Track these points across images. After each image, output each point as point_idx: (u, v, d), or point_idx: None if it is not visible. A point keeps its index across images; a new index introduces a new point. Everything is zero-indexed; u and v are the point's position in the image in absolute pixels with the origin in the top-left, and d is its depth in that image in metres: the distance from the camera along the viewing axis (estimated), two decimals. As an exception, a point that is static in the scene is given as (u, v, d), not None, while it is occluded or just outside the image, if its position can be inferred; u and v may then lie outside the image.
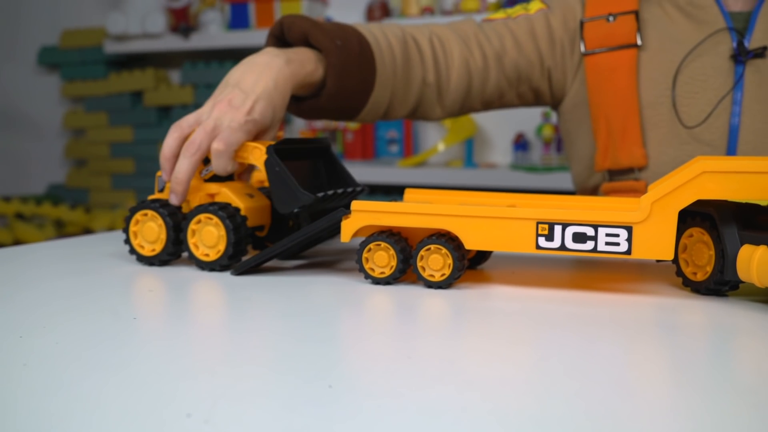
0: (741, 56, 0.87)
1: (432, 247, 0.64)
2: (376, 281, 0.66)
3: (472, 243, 0.63)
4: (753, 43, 0.87)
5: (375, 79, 0.88)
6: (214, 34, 2.29)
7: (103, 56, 2.49)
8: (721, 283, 0.61)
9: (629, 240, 0.59)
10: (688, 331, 0.53)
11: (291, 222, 0.77)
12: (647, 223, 0.59)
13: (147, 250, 0.73)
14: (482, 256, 0.74)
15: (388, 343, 0.49)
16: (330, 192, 0.73)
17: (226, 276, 0.69)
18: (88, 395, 0.39)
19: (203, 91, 2.34)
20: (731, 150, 0.88)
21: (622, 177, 0.93)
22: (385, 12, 2.15)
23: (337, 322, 0.55)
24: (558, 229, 0.61)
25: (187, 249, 0.71)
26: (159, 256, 0.73)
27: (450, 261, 0.63)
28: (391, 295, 0.62)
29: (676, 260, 0.64)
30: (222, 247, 0.70)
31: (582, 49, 0.95)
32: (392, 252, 0.65)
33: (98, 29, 2.50)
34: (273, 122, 0.77)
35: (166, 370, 0.43)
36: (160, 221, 0.72)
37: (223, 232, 0.70)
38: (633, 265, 0.77)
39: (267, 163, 0.71)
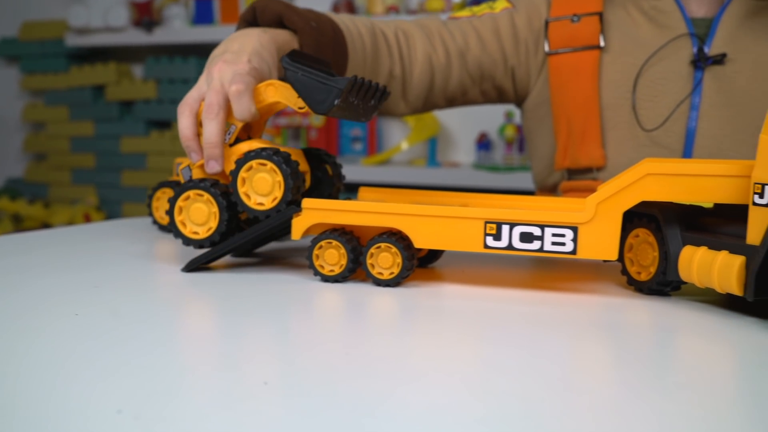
0: (701, 62, 0.88)
1: (382, 245, 0.64)
2: (326, 279, 0.66)
3: (421, 242, 0.63)
4: (713, 49, 0.89)
5: (347, 65, 0.87)
6: (178, 29, 2.27)
7: (64, 49, 2.45)
8: (664, 284, 0.62)
9: (575, 240, 0.60)
10: (630, 330, 0.54)
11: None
12: (592, 223, 0.60)
13: (201, 233, 0.69)
14: (434, 255, 0.74)
15: (329, 339, 0.49)
16: (362, 79, 0.69)
17: (176, 272, 0.68)
18: (18, 392, 0.38)
19: (166, 86, 2.32)
20: (687, 154, 0.89)
21: (581, 176, 0.94)
22: (351, 10, 2.14)
23: (282, 319, 0.54)
24: (505, 228, 0.61)
25: (238, 199, 0.67)
26: (211, 237, 0.69)
27: (399, 260, 0.64)
28: (339, 293, 0.62)
29: (621, 259, 0.65)
30: (279, 194, 0.66)
31: (546, 48, 0.96)
32: (343, 251, 0.65)
33: (59, 22, 2.46)
34: (271, 77, 0.75)
35: (101, 366, 0.42)
36: (209, 197, 0.68)
37: (279, 177, 0.66)
38: (581, 265, 0.78)
39: (289, 74, 0.67)
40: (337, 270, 0.65)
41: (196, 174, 0.71)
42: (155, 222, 0.93)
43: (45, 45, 2.50)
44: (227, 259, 0.76)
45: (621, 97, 0.92)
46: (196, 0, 2.24)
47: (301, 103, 0.68)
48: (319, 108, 0.67)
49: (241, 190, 0.67)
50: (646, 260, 0.63)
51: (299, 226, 0.66)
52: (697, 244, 0.58)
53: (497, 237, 0.62)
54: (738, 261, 0.54)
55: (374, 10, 2.10)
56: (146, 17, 2.26)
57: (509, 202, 0.72)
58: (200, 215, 0.69)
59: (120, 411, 0.36)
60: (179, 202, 0.69)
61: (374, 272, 0.64)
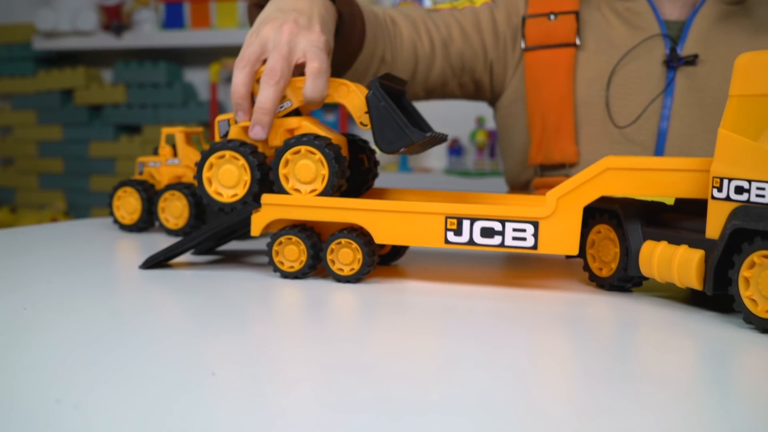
0: (673, 62, 0.89)
1: (342, 241, 0.63)
2: (285, 275, 0.65)
3: (382, 237, 0.63)
4: (685, 50, 0.90)
5: (364, 44, 0.85)
6: (148, 33, 2.25)
7: (31, 53, 2.42)
8: (625, 280, 0.62)
9: (536, 235, 0.60)
10: (591, 324, 0.53)
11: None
12: (553, 218, 0.59)
13: (226, 197, 0.66)
14: (396, 252, 0.74)
15: (284, 332, 0.48)
16: (431, 132, 0.66)
17: (133, 269, 0.67)
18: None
19: (136, 90, 2.29)
20: (659, 152, 0.90)
21: (554, 172, 0.95)
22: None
23: (237, 314, 0.53)
24: (466, 223, 0.61)
25: (278, 184, 0.65)
26: (233, 204, 0.66)
27: (360, 255, 0.63)
28: (299, 289, 0.61)
29: (584, 256, 0.65)
30: (320, 186, 0.64)
31: (522, 45, 0.96)
32: (303, 247, 0.64)
33: (27, 25, 2.43)
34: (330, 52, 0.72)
35: (43, 358, 0.41)
36: (243, 162, 0.65)
37: (324, 171, 0.64)
38: (544, 263, 0.77)
39: (371, 98, 0.64)
40: (297, 266, 0.64)
41: (234, 133, 0.68)
42: (116, 221, 0.91)
43: (12, 49, 2.46)
44: (187, 257, 0.75)
45: (595, 95, 0.92)
46: (166, 4, 2.22)
47: (365, 119, 0.66)
48: (385, 147, 0.65)
49: (282, 171, 0.65)
50: (607, 256, 0.63)
51: (259, 222, 0.65)
52: (658, 239, 0.58)
53: (458, 232, 0.61)
54: (697, 255, 0.54)
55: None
56: (116, 21, 2.23)
57: (471, 199, 0.72)
58: (230, 178, 0.66)
59: (58, 400, 0.34)
60: (212, 158, 0.66)
61: (335, 268, 0.64)
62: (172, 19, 2.23)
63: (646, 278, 0.62)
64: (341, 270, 0.63)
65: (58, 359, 0.41)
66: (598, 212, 0.64)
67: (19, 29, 2.45)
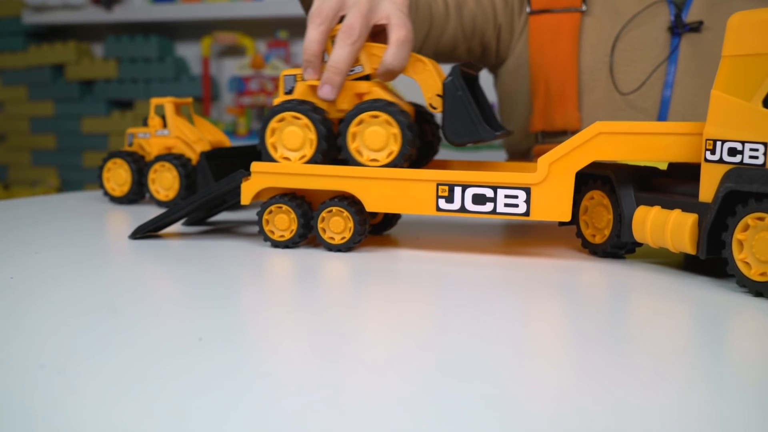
0: (678, 28, 0.88)
1: (333, 209, 0.62)
2: (276, 244, 0.64)
3: (373, 205, 0.62)
4: (690, 17, 0.89)
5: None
6: (138, 6, 2.22)
7: (21, 27, 2.39)
8: (619, 246, 0.62)
9: (528, 201, 0.59)
10: (584, 290, 0.53)
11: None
12: (545, 184, 0.59)
13: (294, 161, 0.64)
14: (388, 222, 0.73)
15: (272, 299, 0.48)
16: (502, 131, 0.64)
17: (123, 240, 0.66)
18: (-61, 350, 0.36)
19: (127, 65, 2.27)
20: (662, 118, 0.89)
21: (555, 139, 0.94)
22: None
23: (226, 282, 0.53)
24: (458, 190, 0.60)
25: (348, 154, 0.62)
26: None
27: (351, 224, 0.62)
28: (289, 257, 0.61)
29: (576, 222, 0.64)
30: (396, 148, 0.61)
31: (528, 8, 0.95)
32: (293, 215, 0.63)
33: (16, -1, 2.40)
34: None
35: (25, 325, 0.40)
36: (306, 122, 0.62)
37: (395, 130, 0.61)
38: (537, 230, 0.77)
39: (448, 85, 0.62)
40: (288, 235, 0.64)
41: (299, 91, 0.65)
42: (107, 194, 0.91)
43: (1, 23, 2.43)
44: (177, 227, 0.74)
45: (599, 61, 0.92)
46: (156, -23, 2.19)
47: (436, 102, 0.64)
48: (452, 137, 0.62)
49: (351, 146, 0.62)
50: (601, 222, 0.62)
51: (249, 190, 0.64)
52: (651, 204, 0.58)
53: (449, 199, 0.60)
54: (690, 219, 0.53)
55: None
56: (106, -6, 2.21)
57: (463, 167, 0.71)
58: (295, 140, 0.63)
59: (42, 366, 0.34)
60: (273, 123, 0.63)
61: (326, 237, 0.63)
62: (163, -8, 2.20)
63: (640, 245, 0.61)
64: (332, 239, 0.63)
65: (43, 327, 0.40)
66: (591, 178, 0.63)
67: (8, 3, 2.42)
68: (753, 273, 0.50)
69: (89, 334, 0.39)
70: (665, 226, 0.55)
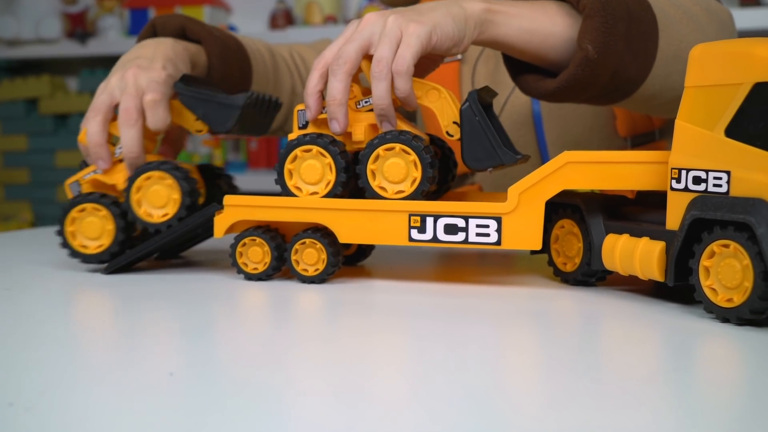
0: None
1: (306, 241, 0.63)
2: (249, 277, 0.64)
3: (346, 236, 0.62)
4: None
5: (252, 77, 0.86)
6: (112, 40, 2.22)
7: (-6, 61, 2.39)
8: (589, 274, 0.62)
9: (499, 231, 0.60)
10: (555, 318, 0.53)
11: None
12: (515, 213, 0.59)
13: (306, 192, 0.63)
14: (363, 252, 0.73)
15: (245, 333, 0.48)
16: (521, 155, 0.63)
17: (96, 274, 0.66)
18: None
19: (102, 98, 2.27)
20: (539, 133, 0.91)
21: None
22: (289, 20, 2.13)
23: (197, 315, 0.53)
24: (430, 221, 0.61)
25: (367, 185, 0.62)
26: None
27: (324, 255, 0.63)
28: (263, 290, 0.61)
29: (548, 251, 0.65)
30: (418, 174, 0.61)
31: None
32: (267, 248, 0.64)
33: (-11, 33, 2.40)
34: None
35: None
36: (329, 159, 0.62)
37: (413, 161, 0.61)
38: (509, 260, 0.77)
39: (466, 111, 0.62)
40: (261, 268, 0.64)
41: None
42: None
43: (-26, 58, 2.43)
44: (150, 262, 0.74)
45: None
46: (130, 10, 2.20)
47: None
48: (472, 163, 0.62)
49: (370, 167, 0.62)
50: (571, 251, 0.63)
51: (222, 223, 0.64)
52: (620, 232, 0.58)
53: (422, 230, 0.61)
54: (658, 247, 0.54)
55: (312, 20, 2.09)
56: (80, 28, 2.21)
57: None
58: (314, 174, 0.63)
59: (11, 404, 0.34)
60: (294, 155, 0.63)
61: (299, 269, 0.63)
62: (137, 26, 2.20)
63: (611, 272, 0.62)
64: (306, 270, 0.63)
65: (13, 364, 0.40)
66: (561, 207, 0.64)
67: (-19, 38, 2.41)
68: (719, 299, 0.50)
69: (59, 369, 0.39)
70: (634, 253, 0.56)
